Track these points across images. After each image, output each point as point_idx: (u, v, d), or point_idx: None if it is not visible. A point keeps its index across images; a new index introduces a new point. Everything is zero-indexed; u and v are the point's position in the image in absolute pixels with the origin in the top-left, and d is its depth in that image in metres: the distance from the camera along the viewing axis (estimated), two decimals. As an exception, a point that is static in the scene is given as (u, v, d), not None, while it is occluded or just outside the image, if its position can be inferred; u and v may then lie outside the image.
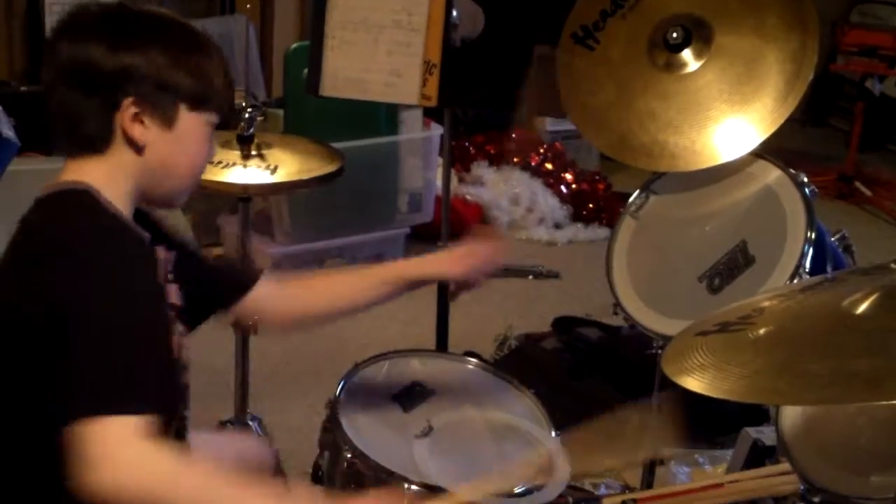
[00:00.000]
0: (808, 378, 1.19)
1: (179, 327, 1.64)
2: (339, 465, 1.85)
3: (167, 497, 1.37)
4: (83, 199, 1.53)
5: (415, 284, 2.06)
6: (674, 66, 2.19)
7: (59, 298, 1.42)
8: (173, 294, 1.64)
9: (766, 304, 1.46)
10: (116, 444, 1.34)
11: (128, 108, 1.53)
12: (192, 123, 1.58)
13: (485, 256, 1.99)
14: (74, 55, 1.54)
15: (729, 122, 2.12)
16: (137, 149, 1.55)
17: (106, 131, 1.54)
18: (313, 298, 1.97)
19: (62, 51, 1.55)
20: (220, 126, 1.66)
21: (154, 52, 1.54)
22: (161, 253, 1.63)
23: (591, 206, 5.11)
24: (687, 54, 2.18)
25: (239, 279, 1.90)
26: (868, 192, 5.71)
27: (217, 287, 1.86)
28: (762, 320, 1.38)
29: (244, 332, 2.61)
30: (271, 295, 1.90)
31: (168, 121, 1.56)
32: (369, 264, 2.06)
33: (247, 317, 1.92)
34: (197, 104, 1.58)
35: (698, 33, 2.17)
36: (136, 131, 1.54)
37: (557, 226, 5.04)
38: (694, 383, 1.26)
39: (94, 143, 1.56)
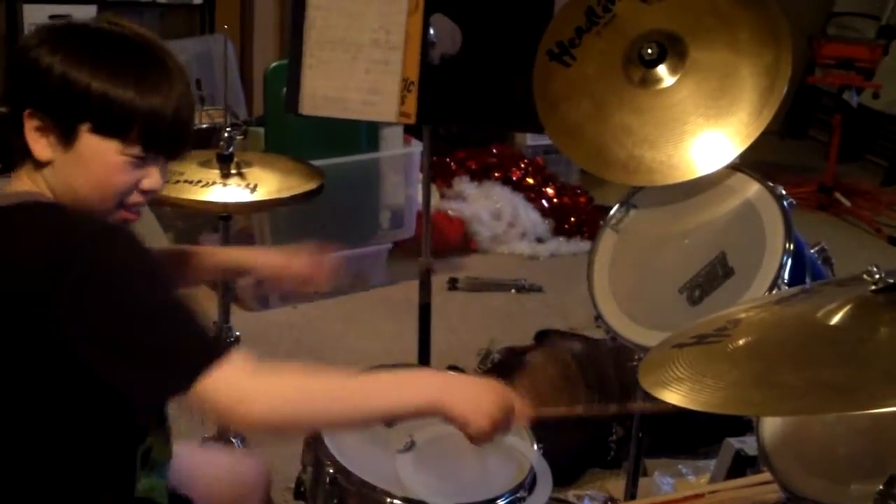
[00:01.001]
0: (783, 389, 1.21)
1: None
2: (321, 480, 1.86)
3: (307, 405, 1.46)
4: (60, 207, 1.51)
5: (237, 272, 2.09)
6: (649, 81, 2.21)
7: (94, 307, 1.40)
8: None
9: (743, 315, 1.48)
10: (238, 385, 1.41)
11: (28, 120, 1.49)
12: (95, 148, 1.50)
13: (303, 269, 2.04)
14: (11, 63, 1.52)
15: (705, 136, 2.14)
16: (38, 164, 1.51)
17: (21, 143, 1.51)
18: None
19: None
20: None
21: (75, 67, 1.47)
22: None
23: (572, 219, 5.13)
24: (662, 70, 2.20)
25: None
26: (847, 203, 5.76)
27: None
28: (738, 332, 1.40)
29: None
30: None
31: (65, 139, 1.49)
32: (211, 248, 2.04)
33: None
34: (105, 129, 1.49)
35: (673, 49, 2.19)
36: (38, 146, 1.50)
37: (539, 240, 5.06)
38: (670, 395, 1.27)
39: (14, 155, 1.53)
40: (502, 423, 1.57)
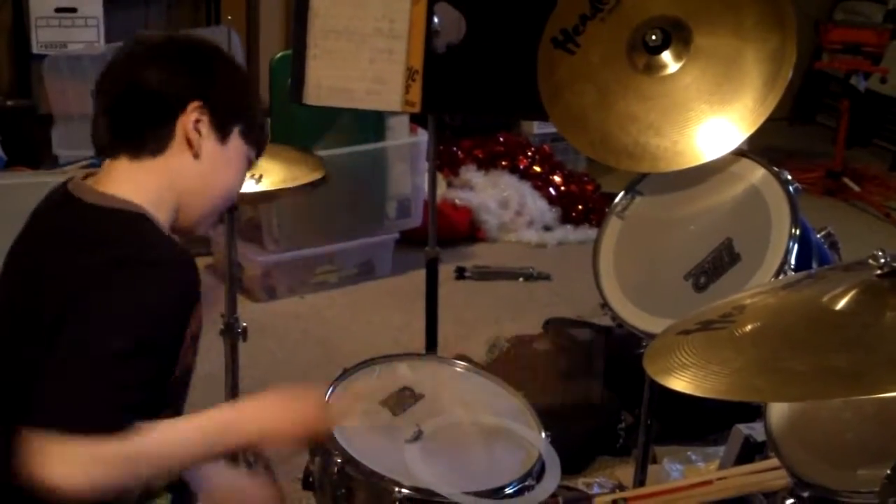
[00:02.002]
0: (788, 375, 1.20)
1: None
2: (329, 470, 1.86)
3: (137, 467, 1.43)
4: (139, 225, 1.56)
5: None
6: (654, 68, 2.20)
7: (78, 308, 1.46)
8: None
9: (748, 301, 1.47)
10: (69, 456, 1.37)
11: (192, 112, 1.59)
12: (239, 149, 1.68)
13: None
14: (146, 71, 1.61)
15: (710, 122, 2.13)
16: (193, 153, 1.61)
17: (167, 131, 1.60)
18: None
19: (136, 65, 1.62)
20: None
21: (229, 76, 1.66)
22: None
23: (580, 207, 5.12)
24: (666, 56, 2.19)
25: None
26: (856, 188, 5.73)
27: None
28: (743, 318, 1.39)
29: (233, 339, 2.62)
30: None
31: (223, 136, 1.64)
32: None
33: None
34: (248, 134, 1.68)
35: (677, 35, 2.18)
36: (194, 136, 1.61)
37: (547, 228, 5.05)
38: (676, 382, 1.27)
39: (155, 142, 1.60)
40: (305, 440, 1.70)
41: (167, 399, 1.59)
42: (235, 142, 1.66)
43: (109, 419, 1.40)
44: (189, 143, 1.61)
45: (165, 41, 1.66)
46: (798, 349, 1.27)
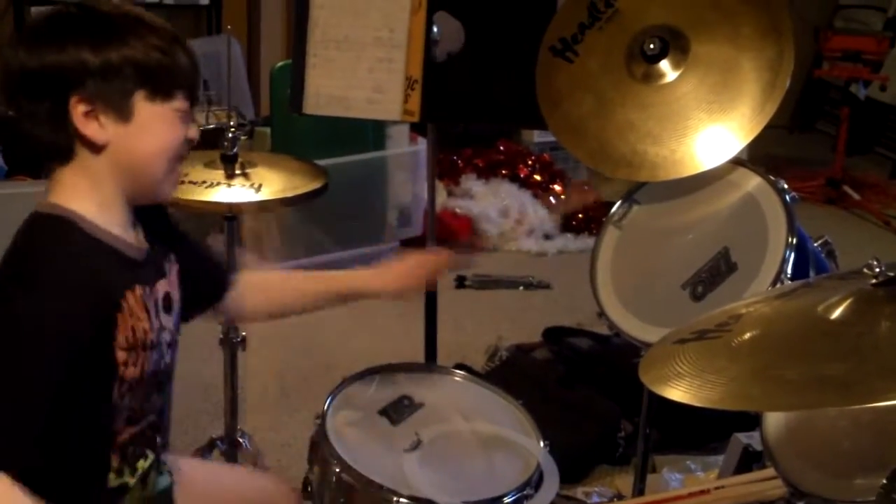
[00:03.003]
0: (782, 384, 1.20)
1: (166, 335, 1.66)
2: (328, 479, 1.86)
3: None
4: (53, 231, 1.52)
5: (354, 298, 2.10)
6: (652, 76, 2.20)
7: None
8: (171, 296, 1.68)
9: (744, 310, 1.47)
10: None
11: (76, 107, 1.50)
12: (152, 113, 1.54)
13: (420, 272, 2.06)
14: (10, 62, 1.51)
15: (708, 131, 2.13)
16: (96, 149, 1.53)
17: (64, 137, 1.52)
18: (285, 296, 2.06)
19: (5, 62, 1.52)
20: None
21: (95, 45, 1.49)
22: (161, 286, 1.67)
23: (580, 216, 5.13)
24: (664, 65, 2.20)
25: (225, 275, 1.95)
26: (856, 196, 5.74)
27: (210, 284, 1.90)
28: (739, 327, 1.40)
29: (233, 348, 2.63)
30: (250, 290, 1.96)
31: (124, 114, 1.52)
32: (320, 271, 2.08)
33: (229, 310, 1.98)
34: (156, 93, 1.54)
35: (675, 44, 2.19)
36: (91, 130, 1.51)
37: (547, 236, 5.06)
38: (671, 391, 1.27)
39: (58, 152, 1.54)
40: None
41: (118, 408, 1.59)
42: (144, 110, 1.54)
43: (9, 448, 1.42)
44: (87, 141, 1.52)
45: (22, 35, 1.53)
46: (793, 358, 1.27)
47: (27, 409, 1.45)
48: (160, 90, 1.54)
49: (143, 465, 1.68)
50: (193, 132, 1.62)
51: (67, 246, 1.53)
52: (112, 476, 1.62)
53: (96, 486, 1.61)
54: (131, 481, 1.65)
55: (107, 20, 1.53)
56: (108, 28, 1.52)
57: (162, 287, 1.68)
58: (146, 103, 1.53)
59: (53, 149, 1.54)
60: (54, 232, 1.53)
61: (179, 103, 1.57)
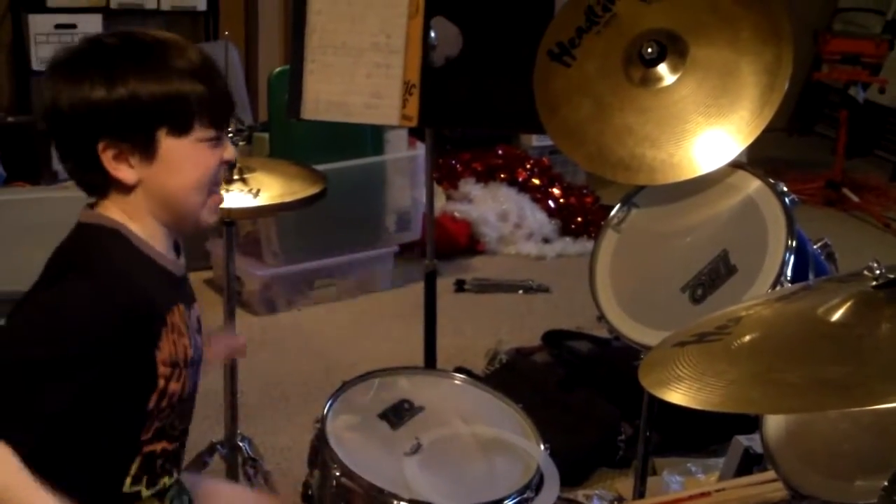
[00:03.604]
0: (782, 387, 1.21)
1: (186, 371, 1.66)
2: (328, 483, 1.86)
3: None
4: (104, 241, 1.56)
5: None
6: (649, 80, 2.20)
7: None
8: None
9: (744, 313, 1.47)
10: None
11: (105, 152, 1.52)
12: (178, 148, 1.55)
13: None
14: (49, 99, 1.53)
15: (706, 134, 2.13)
16: (129, 188, 1.55)
17: (99, 177, 1.55)
18: None
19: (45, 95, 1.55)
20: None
21: (117, 87, 1.50)
22: (195, 308, 1.69)
23: (579, 219, 5.13)
24: (662, 69, 2.20)
25: None
26: (856, 199, 5.74)
27: None
28: (739, 330, 1.40)
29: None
30: None
31: (150, 153, 1.54)
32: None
33: None
34: (179, 127, 1.54)
35: (673, 48, 2.19)
36: (123, 173, 1.54)
37: (546, 240, 5.06)
38: (671, 395, 1.27)
39: (95, 188, 1.58)
40: None
41: (151, 418, 1.60)
42: (169, 146, 1.54)
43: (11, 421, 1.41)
44: (122, 182, 1.55)
45: (47, 73, 1.55)
46: (793, 361, 1.27)
47: (48, 386, 1.44)
48: (178, 124, 1.54)
49: (166, 482, 1.68)
50: (229, 153, 1.62)
51: (120, 252, 1.56)
52: (128, 481, 1.61)
53: (109, 486, 1.61)
54: (145, 493, 1.64)
55: (119, 55, 1.53)
56: (123, 63, 1.52)
57: (196, 309, 1.71)
58: (169, 139, 1.54)
59: (90, 186, 1.58)
60: (107, 239, 1.56)
61: (202, 133, 1.56)
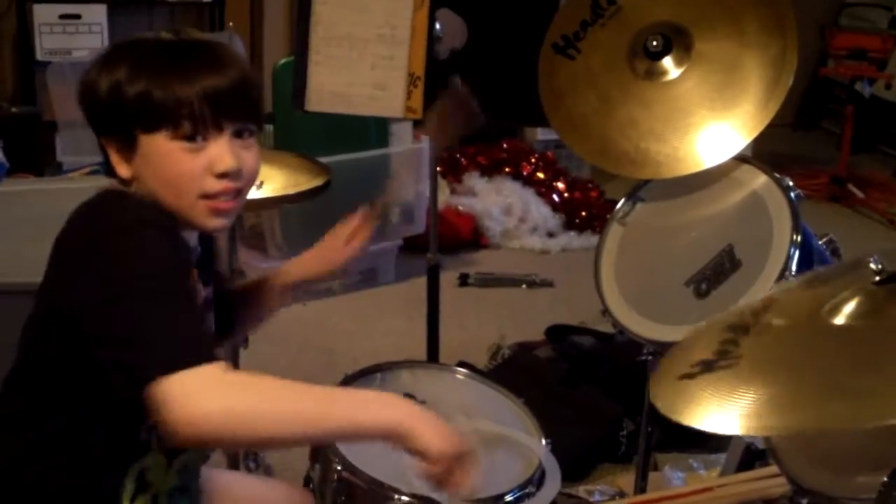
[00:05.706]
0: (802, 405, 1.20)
1: None
2: (329, 477, 1.86)
3: (263, 419, 1.37)
4: (122, 200, 1.55)
5: (293, 287, 2.05)
6: (654, 73, 2.20)
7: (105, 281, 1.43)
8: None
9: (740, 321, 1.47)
10: (200, 390, 1.34)
11: (107, 148, 1.56)
12: (152, 145, 1.52)
13: (334, 244, 2.07)
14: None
15: (711, 128, 2.13)
16: (126, 183, 1.56)
17: (111, 170, 1.58)
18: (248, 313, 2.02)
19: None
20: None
21: (97, 85, 1.53)
22: (202, 290, 1.68)
23: (583, 213, 5.12)
24: (667, 62, 2.19)
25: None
26: (860, 194, 5.73)
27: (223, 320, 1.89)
28: (745, 347, 1.38)
29: (234, 345, 2.62)
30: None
31: (131, 150, 1.54)
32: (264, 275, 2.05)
33: None
34: (149, 126, 1.51)
35: (678, 41, 2.18)
36: (120, 167, 1.56)
37: (550, 234, 5.06)
38: (693, 420, 1.27)
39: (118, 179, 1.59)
40: (454, 468, 1.47)
41: None
42: (145, 143, 1.52)
43: (198, 349, 1.38)
44: (122, 177, 1.57)
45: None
46: (805, 374, 1.26)
47: (183, 306, 1.44)
48: (153, 121, 1.51)
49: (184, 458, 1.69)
50: (222, 165, 1.53)
51: (135, 201, 1.55)
52: (142, 431, 1.60)
53: (126, 433, 1.59)
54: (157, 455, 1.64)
55: (119, 54, 1.55)
56: (114, 60, 1.54)
57: (202, 291, 1.69)
58: (145, 136, 1.52)
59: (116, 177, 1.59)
60: (123, 196, 1.56)
61: (172, 133, 1.51)
